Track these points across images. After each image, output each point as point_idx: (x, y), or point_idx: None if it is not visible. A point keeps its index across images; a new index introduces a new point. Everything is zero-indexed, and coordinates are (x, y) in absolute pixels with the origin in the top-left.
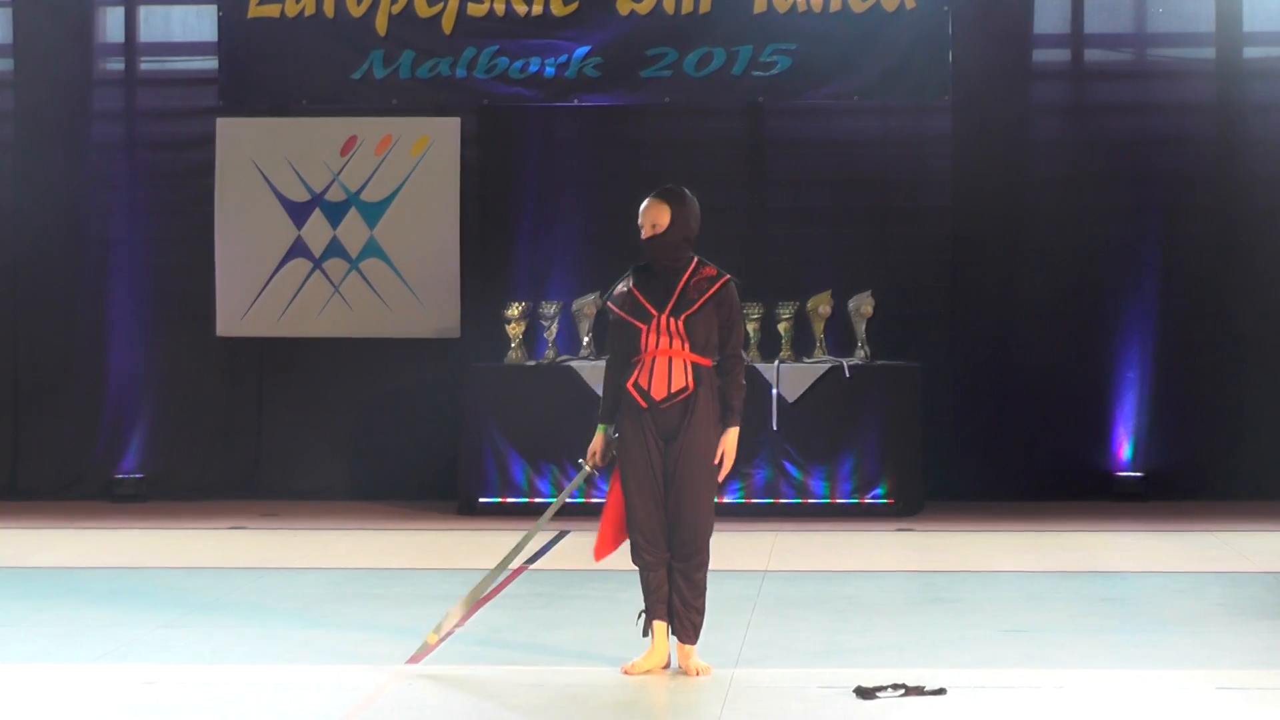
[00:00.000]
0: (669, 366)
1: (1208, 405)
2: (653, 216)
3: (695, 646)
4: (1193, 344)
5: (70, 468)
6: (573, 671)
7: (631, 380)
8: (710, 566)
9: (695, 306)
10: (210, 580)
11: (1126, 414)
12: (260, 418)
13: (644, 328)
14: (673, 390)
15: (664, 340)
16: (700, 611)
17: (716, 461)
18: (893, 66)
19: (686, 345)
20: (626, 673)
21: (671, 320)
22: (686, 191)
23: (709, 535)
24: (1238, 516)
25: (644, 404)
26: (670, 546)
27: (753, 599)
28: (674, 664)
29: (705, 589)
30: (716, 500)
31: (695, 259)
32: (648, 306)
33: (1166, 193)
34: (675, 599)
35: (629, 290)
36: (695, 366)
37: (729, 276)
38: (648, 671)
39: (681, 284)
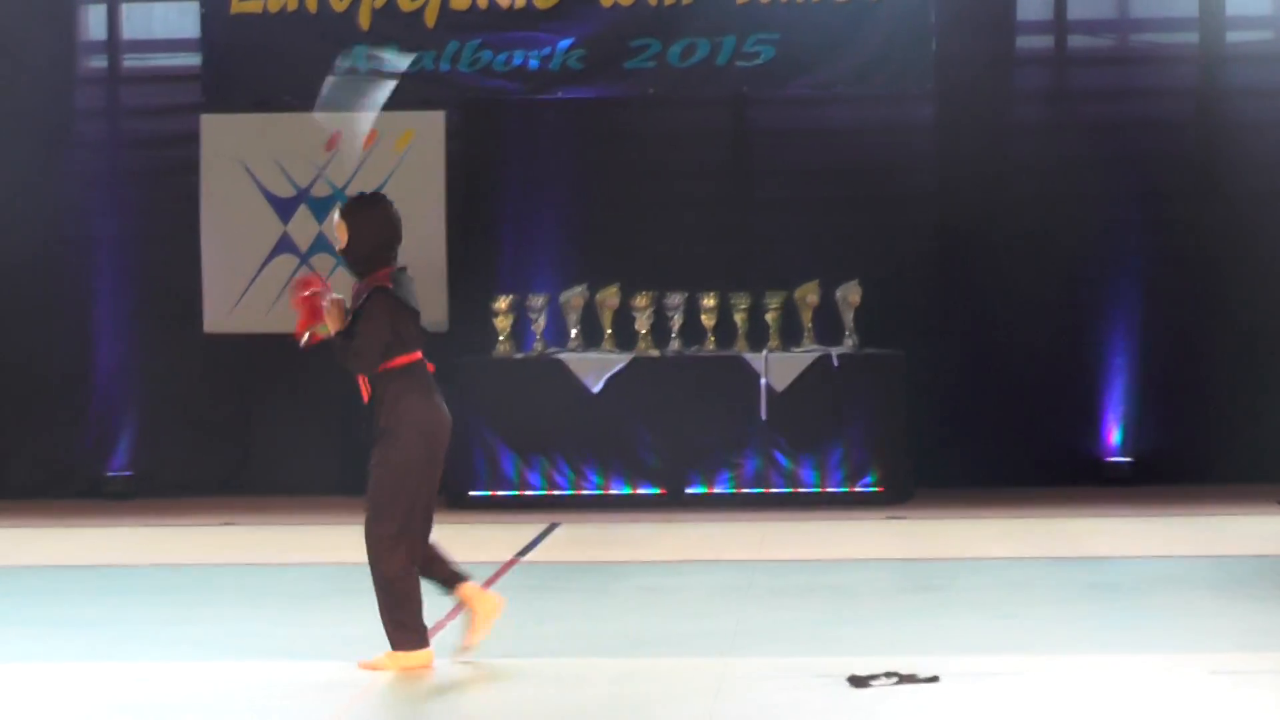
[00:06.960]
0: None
1: (1195, 389)
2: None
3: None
4: (1180, 328)
5: (58, 466)
6: (562, 663)
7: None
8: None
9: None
10: (200, 577)
11: (1114, 399)
12: (249, 413)
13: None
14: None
15: None
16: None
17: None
18: (876, 55)
19: None
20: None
21: None
22: (377, 199)
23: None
24: (1226, 500)
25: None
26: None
27: (744, 589)
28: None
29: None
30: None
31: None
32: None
33: (1151, 177)
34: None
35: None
36: (371, 380)
37: (377, 287)
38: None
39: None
